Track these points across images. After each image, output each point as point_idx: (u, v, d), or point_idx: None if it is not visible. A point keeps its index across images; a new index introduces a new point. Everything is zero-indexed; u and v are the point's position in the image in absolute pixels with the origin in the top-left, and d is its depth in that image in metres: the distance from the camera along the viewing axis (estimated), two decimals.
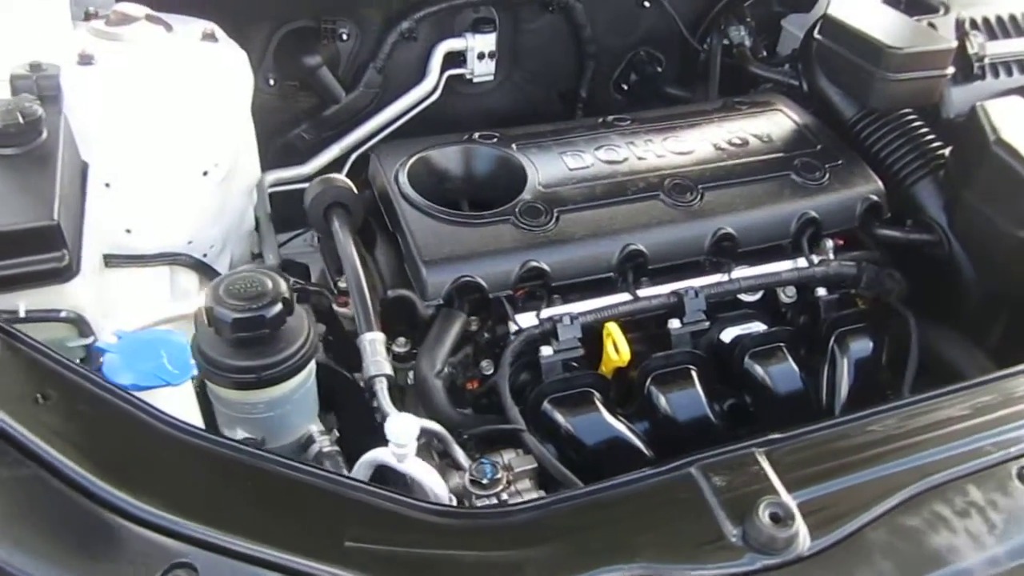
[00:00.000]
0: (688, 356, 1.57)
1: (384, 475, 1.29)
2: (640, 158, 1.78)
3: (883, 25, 1.83)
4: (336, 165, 2.28)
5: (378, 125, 2.36)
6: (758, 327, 1.66)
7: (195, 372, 1.26)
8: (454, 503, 1.21)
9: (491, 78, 2.46)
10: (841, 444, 1.12)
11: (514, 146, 1.78)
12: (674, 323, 1.59)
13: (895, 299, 1.78)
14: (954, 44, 1.81)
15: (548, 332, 1.52)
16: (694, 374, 1.56)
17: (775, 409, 1.59)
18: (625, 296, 1.60)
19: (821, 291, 1.71)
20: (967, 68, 1.97)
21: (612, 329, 1.52)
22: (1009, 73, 2.03)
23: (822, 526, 0.99)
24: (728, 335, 1.65)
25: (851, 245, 1.83)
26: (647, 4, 2.53)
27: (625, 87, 2.64)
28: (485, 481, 1.35)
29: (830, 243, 1.77)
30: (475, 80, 2.44)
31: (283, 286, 1.28)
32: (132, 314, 1.51)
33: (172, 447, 0.99)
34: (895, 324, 1.76)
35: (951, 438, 1.13)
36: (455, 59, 2.40)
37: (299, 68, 2.22)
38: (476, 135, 1.82)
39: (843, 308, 1.72)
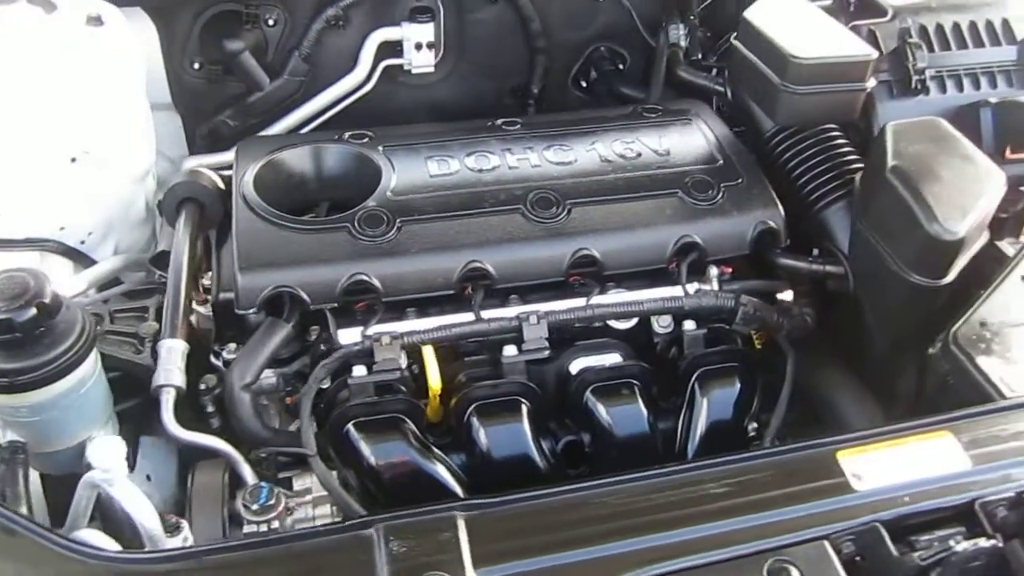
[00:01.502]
0: (518, 387, 1.45)
1: None
2: (512, 167, 1.66)
3: (798, 31, 1.64)
4: None
5: (307, 114, 2.30)
6: (612, 359, 1.52)
7: None
8: (158, 533, 1.14)
9: (431, 70, 2.36)
10: (565, 516, 1.00)
11: (380, 148, 1.68)
12: (510, 350, 1.48)
13: (785, 337, 1.61)
14: (872, 55, 1.60)
15: (365, 351, 1.43)
16: (524, 407, 1.44)
17: (614, 452, 1.46)
18: (465, 317, 1.49)
19: (689, 324, 1.55)
20: (905, 81, 1.76)
21: (427, 354, 1.42)
22: (959, 88, 1.79)
23: None
24: (577, 366, 1.52)
25: (758, 274, 1.67)
26: None
27: (584, 84, 2.50)
28: (255, 507, 1.28)
29: (715, 271, 1.61)
30: (414, 71, 2.35)
31: (46, 289, 1.23)
32: None
33: None
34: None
35: (701, 518, 1.00)
36: (392, 49, 2.32)
37: (222, 53, 2.18)
38: (348, 134, 1.73)
39: (716, 343, 1.56)
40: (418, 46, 2.31)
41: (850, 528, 0.99)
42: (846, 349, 1.67)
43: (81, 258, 1.80)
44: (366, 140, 1.72)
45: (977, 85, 1.81)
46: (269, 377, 1.50)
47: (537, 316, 1.48)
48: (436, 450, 1.42)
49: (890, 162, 1.44)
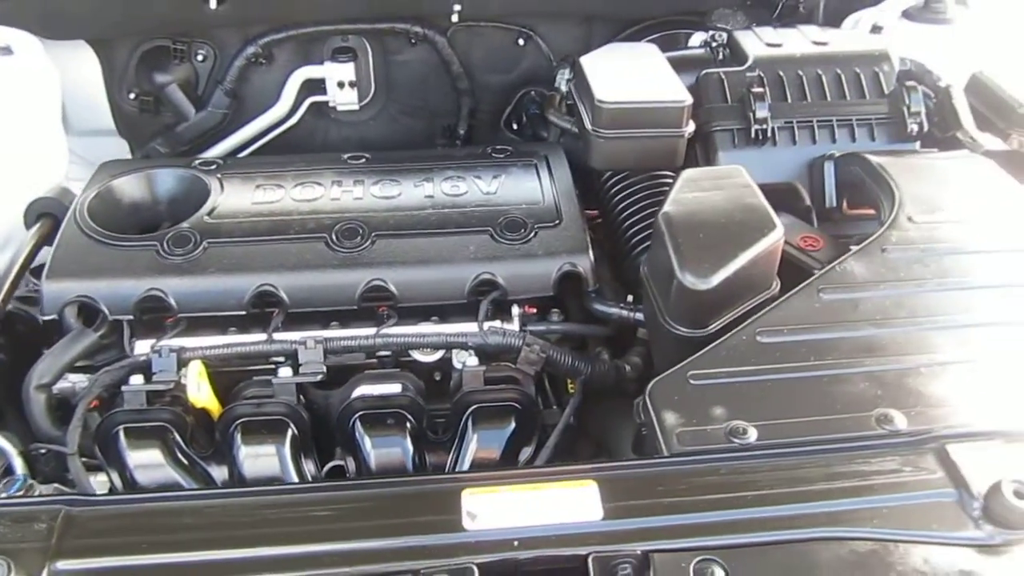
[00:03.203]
0: (283, 408, 1.49)
1: None
2: (333, 199, 1.72)
3: (619, 76, 1.64)
4: None
5: (235, 144, 2.44)
6: (391, 389, 1.54)
7: None
8: None
9: (356, 107, 2.46)
10: (174, 520, 1.03)
11: (219, 174, 1.78)
12: (284, 372, 1.52)
13: (582, 382, 1.58)
14: (686, 101, 1.57)
15: (145, 363, 1.51)
16: (289, 429, 1.48)
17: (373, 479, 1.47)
18: (256, 338, 1.55)
19: (471, 360, 1.55)
20: (746, 131, 1.71)
21: (191, 369, 1.48)
22: (812, 140, 1.72)
23: None
24: (359, 392, 1.54)
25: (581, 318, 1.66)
26: (521, 42, 2.43)
27: (516, 127, 2.54)
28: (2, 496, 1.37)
29: (516, 310, 1.60)
30: (339, 108, 2.46)
31: None
32: None
33: None
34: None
35: (298, 540, 1.01)
36: (317, 86, 2.44)
37: (153, 85, 2.36)
38: (198, 161, 1.84)
39: (497, 382, 1.55)
40: (340, 84, 2.42)
41: (444, 567, 0.97)
42: None
43: None
44: (214, 167, 1.82)
45: (833, 138, 1.74)
46: (82, 381, 1.60)
47: (315, 341, 1.52)
48: (198, 463, 1.47)
49: (664, 208, 1.41)
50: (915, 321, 1.26)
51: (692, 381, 1.18)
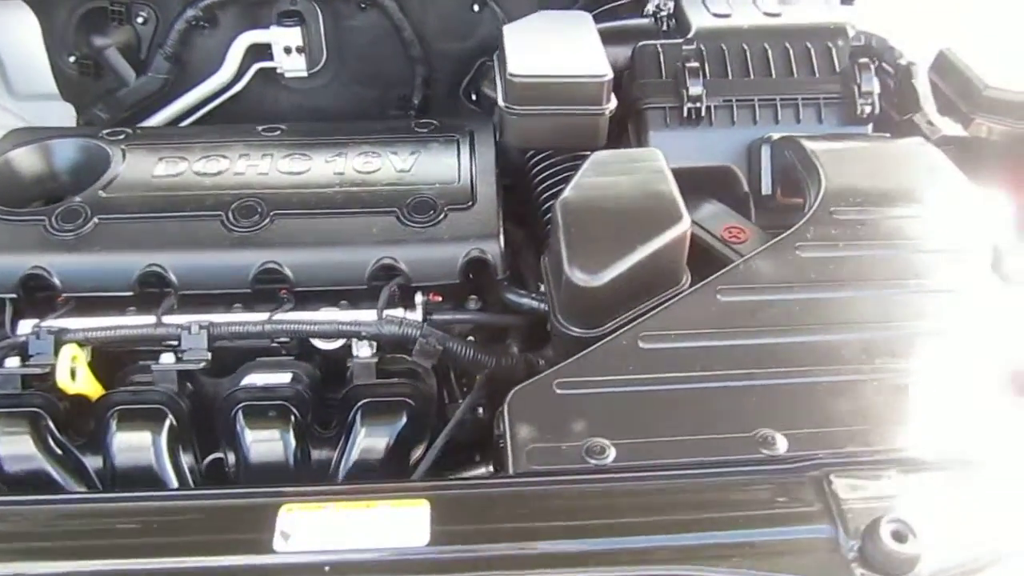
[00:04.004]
0: (161, 396, 1.41)
1: None
2: (237, 174, 1.62)
3: (541, 47, 1.51)
4: None
5: (179, 110, 2.35)
6: (279, 379, 1.45)
7: None
8: None
9: (304, 74, 2.35)
10: None
11: (123, 145, 1.69)
12: (167, 358, 1.44)
13: (488, 375, 1.48)
14: (605, 76, 1.44)
15: (22, 344, 1.44)
16: (167, 418, 1.40)
17: (251, 473, 1.39)
18: (136, 320, 1.47)
19: (363, 351, 1.46)
20: (679, 109, 1.58)
21: (63, 353, 1.40)
22: (753, 120, 1.59)
23: None
24: (246, 382, 1.46)
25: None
26: (476, 8, 2.29)
27: (475, 96, 2.42)
28: None
29: (420, 298, 1.50)
30: (287, 75, 2.35)
31: None
32: None
33: None
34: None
35: (100, 554, 0.93)
36: (264, 51, 2.33)
37: (92, 48, 2.27)
38: (106, 132, 1.75)
39: (395, 375, 1.46)
40: (287, 50, 2.31)
41: None
42: None
43: None
44: (122, 136, 1.73)
45: (776, 119, 1.60)
46: None
47: (199, 327, 1.44)
48: (72, 452, 1.40)
49: (564, 194, 1.30)
50: (821, 329, 1.14)
51: (558, 390, 1.08)
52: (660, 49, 1.63)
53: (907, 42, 1.80)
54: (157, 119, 2.34)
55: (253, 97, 2.39)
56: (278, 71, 2.34)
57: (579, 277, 1.20)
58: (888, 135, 1.59)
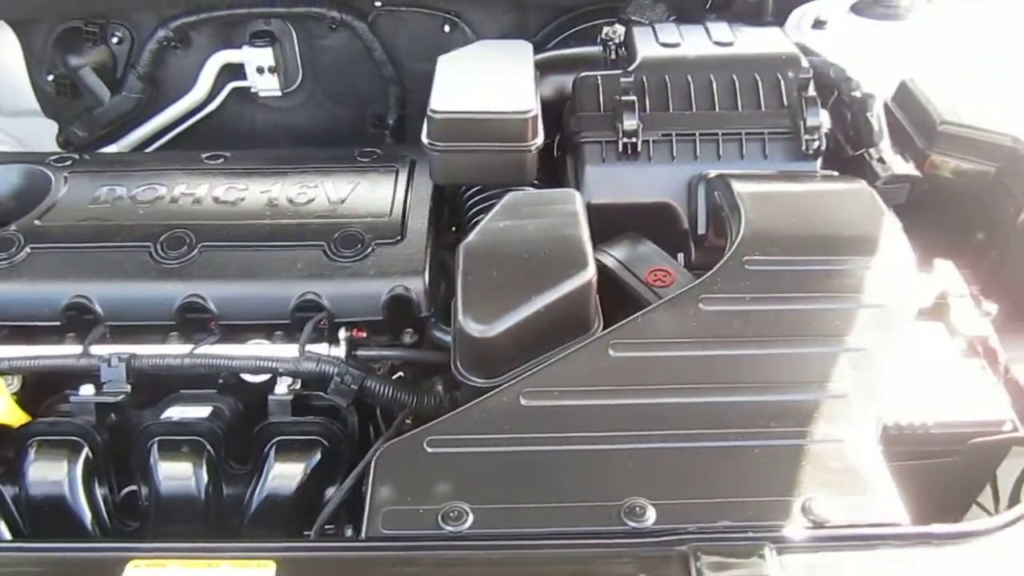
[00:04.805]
0: (78, 428, 1.41)
1: None
2: (172, 202, 1.62)
3: (470, 80, 1.48)
4: None
5: (154, 128, 2.38)
6: (198, 413, 1.45)
7: None
8: None
9: (277, 93, 2.37)
10: None
11: (66, 173, 1.70)
12: (86, 389, 1.44)
13: (406, 415, 1.46)
14: (529, 113, 1.40)
15: None
16: (83, 450, 1.40)
17: (164, 510, 1.39)
18: (60, 350, 1.48)
19: (280, 388, 1.44)
20: (615, 144, 1.53)
21: None
22: (694, 156, 1.52)
23: None
24: (169, 415, 1.46)
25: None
26: (447, 29, 2.28)
27: None
28: None
29: (343, 334, 1.49)
30: (261, 95, 2.37)
31: None
32: None
33: None
34: None
35: None
36: (238, 71, 2.34)
37: (68, 67, 2.30)
38: (53, 158, 1.76)
39: (314, 411, 1.44)
40: (259, 70, 2.32)
41: None
42: None
43: None
44: (69, 163, 1.74)
45: (719, 154, 1.54)
46: None
47: (119, 359, 1.44)
48: None
49: (468, 238, 1.27)
50: (712, 390, 1.09)
51: (428, 448, 1.04)
52: (599, 80, 1.58)
53: (875, 72, 1.73)
54: (133, 137, 2.37)
55: (230, 116, 2.42)
56: (252, 90, 2.36)
57: (471, 327, 1.16)
58: (835, 173, 1.52)
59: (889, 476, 1.01)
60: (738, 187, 1.36)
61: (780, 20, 2.01)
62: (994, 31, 1.89)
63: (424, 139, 1.45)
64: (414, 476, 1.01)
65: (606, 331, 1.16)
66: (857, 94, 1.61)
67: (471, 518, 0.96)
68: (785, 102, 1.57)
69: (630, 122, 1.50)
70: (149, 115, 2.35)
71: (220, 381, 1.53)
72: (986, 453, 1.23)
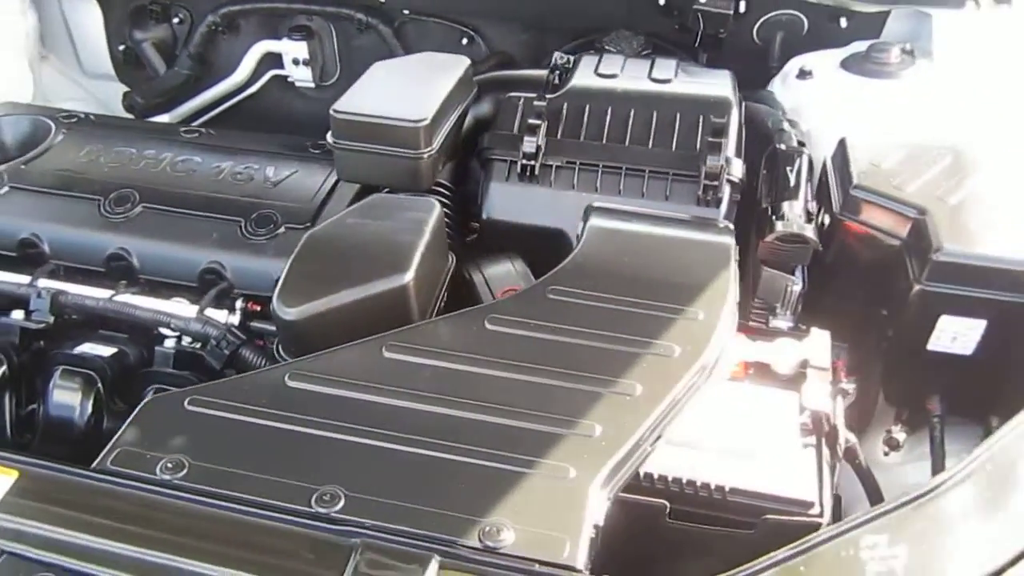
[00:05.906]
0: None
1: None
2: (134, 164, 1.80)
3: (387, 84, 1.56)
4: None
5: (198, 105, 2.62)
6: (102, 351, 1.61)
7: None
8: None
9: (311, 84, 2.55)
10: None
11: (64, 129, 1.91)
12: (17, 314, 1.64)
13: None
14: (422, 122, 1.46)
15: None
16: (3, 367, 1.60)
17: (49, 430, 1.55)
18: (7, 276, 1.68)
19: (169, 341, 1.58)
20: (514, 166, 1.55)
21: None
22: (594, 186, 1.52)
23: None
24: (81, 350, 1.63)
25: None
26: (465, 42, 2.37)
27: None
28: None
29: (239, 303, 1.60)
30: (297, 84, 2.56)
31: None
32: None
33: None
34: None
35: None
36: (279, 60, 2.54)
37: (134, 40, 2.58)
38: (63, 115, 1.99)
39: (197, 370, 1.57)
40: (295, 61, 2.51)
41: None
42: None
43: None
44: (74, 120, 1.97)
45: (619, 189, 1.54)
46: None
47: (47, 292, 1.63)
48: None
49: (316, 228, 1.35)
50: (463, 405, 1.10)
51: (187, 406, 1.13)
52: (521, 103, 1.62)
53: (853, 128, 1.66)
54: (182, 109, 2.63)
55: (271, 101, 2.62)
56: (289, 79, 2.55)
57: (280, 308, 1.25)
58: (720, 222, 1.46)
59: (591, 523, 0.99)
60: (595, 220, 1.36)
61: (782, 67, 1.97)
62: (995, 91, 1.76)
63: (328, 136, 1.55)
64: (161, 426, 1.11)
65: (388, 332, 1.20)
66: (783, 147, 1.55)
67: (185, 471, 1.05)
68: (698, 146, 1.54)
69: (530, 144, 1.52)
70: (197, 91, 2.59)
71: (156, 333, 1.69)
72: (781, 535, 1.17)
